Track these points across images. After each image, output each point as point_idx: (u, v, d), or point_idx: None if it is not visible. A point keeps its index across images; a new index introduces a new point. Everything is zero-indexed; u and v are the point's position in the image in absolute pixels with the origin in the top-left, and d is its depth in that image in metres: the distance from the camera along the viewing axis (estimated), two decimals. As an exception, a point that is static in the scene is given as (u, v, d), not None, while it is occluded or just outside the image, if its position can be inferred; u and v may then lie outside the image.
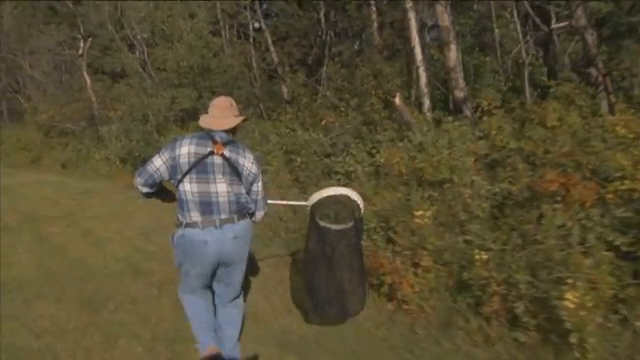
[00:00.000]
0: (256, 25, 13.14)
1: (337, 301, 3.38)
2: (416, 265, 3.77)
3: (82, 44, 16.31)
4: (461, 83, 7.24)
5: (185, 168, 2.68)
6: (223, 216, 2.67)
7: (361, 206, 3.33)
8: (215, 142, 2.71)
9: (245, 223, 2.80)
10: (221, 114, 2.84)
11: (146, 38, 14.15)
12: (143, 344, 3.62)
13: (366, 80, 9.28)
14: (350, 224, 3.32)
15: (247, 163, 2.75)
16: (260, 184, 2.87)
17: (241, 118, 2.93)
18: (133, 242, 6.35)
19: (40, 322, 4.08)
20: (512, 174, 4.59)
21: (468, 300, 3.59)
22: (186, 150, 2.68)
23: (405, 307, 3.74)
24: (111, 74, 17.26)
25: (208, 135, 2.76)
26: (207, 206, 2.66)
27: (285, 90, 12.19)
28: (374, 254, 4.05)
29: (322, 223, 3.30)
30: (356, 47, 12.95)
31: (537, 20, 7.48)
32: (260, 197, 2.88)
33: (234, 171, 2.69)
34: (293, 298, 4.29)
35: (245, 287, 3.43)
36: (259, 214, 2.93)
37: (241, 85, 12.53)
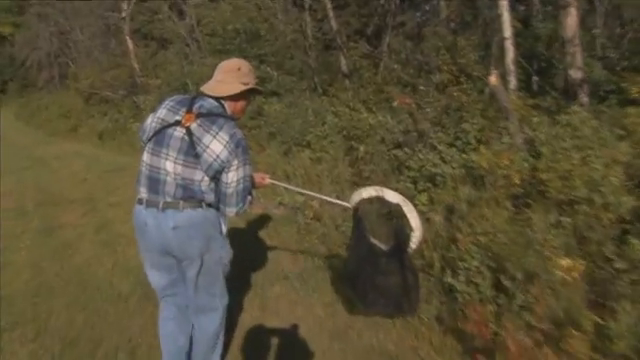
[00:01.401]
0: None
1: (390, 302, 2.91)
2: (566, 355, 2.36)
3: (125, 6, 15.33)
4: (579, 60, 5.65)
5: (150, 135, 2.39)
6: (167, 199, 2.29)
7: (414, 225, 2.81)
8: (189, 111, 2.33)
9: (194, 213, 2.32)
10: (223, 78, 2.46)
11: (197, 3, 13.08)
12: None
13: (436, 54, 8.03)
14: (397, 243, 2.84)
15: (215, 145, 2.27)
16: (234, 174, 2.33)
17: (248, 87, 2.48)
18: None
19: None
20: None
21: None
22: (159, 114, 2.41)
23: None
24: (159, 40, 16.49)
25: (189, 100, 2.40)
26: (154, 183, 2.32)
27: (343, 62, 10.88)
28: (479, 315, 2.69)
29: (372, 239, 2.88)
30: (418, 18, 11.63)
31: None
32: (231, 190, 2.35)
33: (191, 150, 2.26)
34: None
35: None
36: (229, 210, 2.42)
37: (294, 54, 11.48)
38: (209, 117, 2.32)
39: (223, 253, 2.53)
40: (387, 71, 9.42)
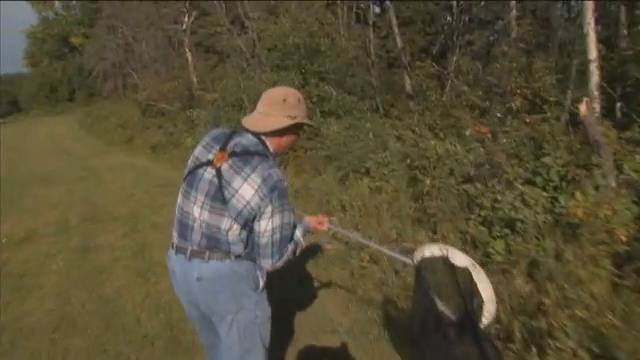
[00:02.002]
0: (376, 10, 11.76)
1: None
2: None
3: (186, 18, 15.48)
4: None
5: (185, 174, 2.22)
6: (194, 247, 2.12)
7: (485, 297, 2.42)
8: (223, 149, 2.11)
9: (221, 265, 2.11)
10: (266, 110, 2.19)
11: (259, 17, 13.02)
12: None
13: (508, 76, 7.53)
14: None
15: (245, 189, 2.03)
16: (268, 223, 2.08)
17: (295, 121, 2.18)
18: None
19: None
20: None
21: None
22: (195, 151, 2.21)
23: None
24: (220, 54, 16.62)
25: (226, 136, 2.17)
26: (184, 228, 2.16)
27: (408, 81, 10.44)
28: None
29: (439, 305, 2.47)
30: (487, 37, 11.10)
31: None
32: (265, 241, 2.11)
33: (218, 195, 2.06)
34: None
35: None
36: (264, 262, 2.17)
37: (356, 72, 11.18)
38: (243, 156, 2.08)
39: (258, 312, 2.23)
40: (454, 93, 8.99)
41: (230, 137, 2.16)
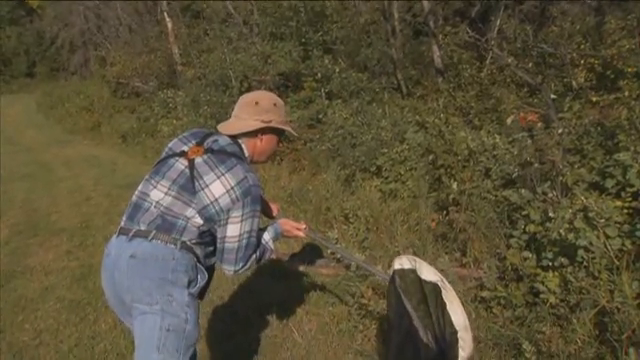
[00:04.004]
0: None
1: None
2: None
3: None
4: None
5: (154, 163, 2.50)
6: (142, 227, 2.30)
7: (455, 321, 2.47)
8: (199, 144, 2.41)
9: (162, 247, 2.26)
10: (239, 114, 2.55)
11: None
12: None
13: (568, 42, 7.48)
14: None
15: (216, 187, 2.30)
16: (237, 228, 2.34)
17: (264, 125, 2.50)
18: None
19: None
20: None
21: None
22: (170, 143, 2.53)
23: None
24: (210, 20, 16.30)
25: (204, 134, 2.50)
26: (136, 210, 2.36)
27: (437, 53, 9.99)
28: None
29: (421, 334, 2.59)
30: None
31: None
32: (231, 246, 2.36)
33: (188, 185, 2.31)
34: None
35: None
36: (226, 268, 2.42)
37: (372, 41, 11.01)
38: (219, 155, 2.38)
39: (190, 314, 2.29)
40: (496, 66, 8.94)
41: (209, 135, 2.47)
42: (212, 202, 2.28)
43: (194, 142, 2.43)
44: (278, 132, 2.60)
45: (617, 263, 3.15)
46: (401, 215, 5.34)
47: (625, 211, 3.61)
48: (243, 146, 2.50)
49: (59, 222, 7.31)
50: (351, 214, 5.57)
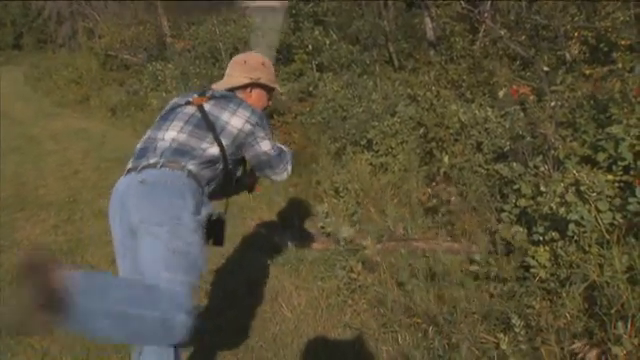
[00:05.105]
0: None
1: None
2: None
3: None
4: None
5: (159, 115, 2.71)
6: (151, 160, 2.42)
7: None
8: (200, 95, 2.67)
9: (170, 173, 2.38)
10: (230, 72, 2.85)
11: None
12: None
13: (562, 14, 7.39)
14: None
15: (235, 121, 2.57)
16: (267, 143, 2.67)
17: (253, 81, 2.77)
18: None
19: None
20: None
21: None
22: (168, 104, 2.74)
23: None
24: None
25: (202, 89, 2.79)
26: (145, 150, 2.49)
27: (429, 25, 9.90)
28: None
29: None
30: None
31: None
32: (272, 155, 2.71)
33: (205, 126, 2.53)
34: None
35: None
36: (279, 177, 2.82)
37: (364, 13, 10.99)
38: (224, 98, 2.63)
39: (197, 238, 2.31)
40: (488, 39, 8.78)
41: (205, 89, 2.73)
42: (239, 130, 2.55)
43: (195, 95, 2.67)
44: (267, 89, 2.84)
45: (608, 237, 3.12)
46: (392, 189, 5.31)
47: (616, 185, 3.58)
48: (237, 93, 2.76)
49: (47, 196, 7.22)
50: (341, 188, 5.55)
